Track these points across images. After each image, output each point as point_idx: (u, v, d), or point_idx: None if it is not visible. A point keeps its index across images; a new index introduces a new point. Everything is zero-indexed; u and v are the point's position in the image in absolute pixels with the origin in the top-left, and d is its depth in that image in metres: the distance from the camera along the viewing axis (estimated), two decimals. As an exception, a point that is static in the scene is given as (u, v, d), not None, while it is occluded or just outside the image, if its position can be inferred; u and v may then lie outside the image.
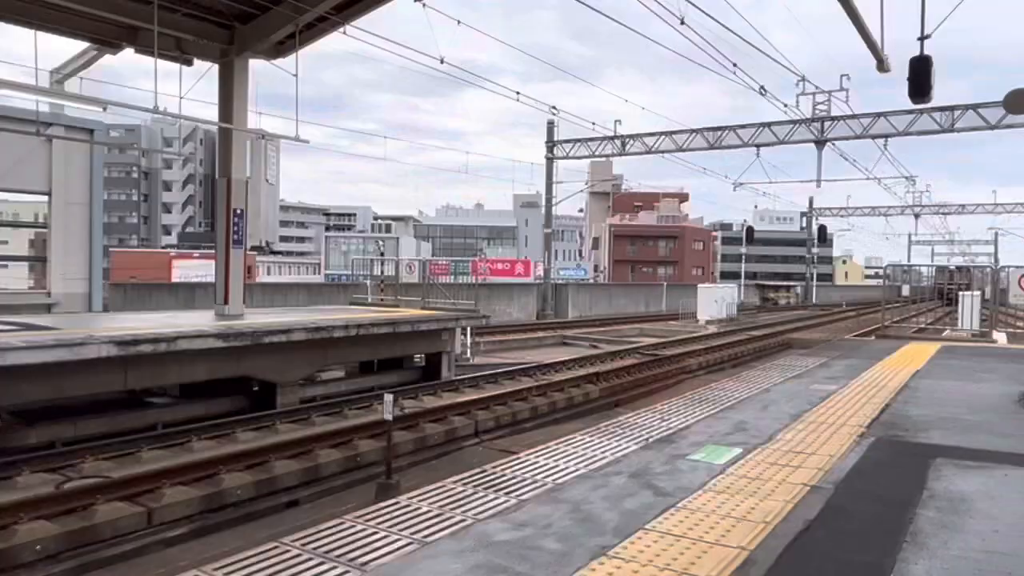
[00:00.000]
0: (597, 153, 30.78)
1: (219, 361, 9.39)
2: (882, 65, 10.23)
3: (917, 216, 50.03)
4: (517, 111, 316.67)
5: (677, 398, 6.67)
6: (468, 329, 16.95)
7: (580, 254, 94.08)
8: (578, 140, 30.63)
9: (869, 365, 8.87)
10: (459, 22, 15.24)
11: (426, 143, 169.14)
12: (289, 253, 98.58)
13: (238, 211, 12.11)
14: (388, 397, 7.10)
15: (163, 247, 67.61)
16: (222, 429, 8.45)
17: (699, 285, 33.92)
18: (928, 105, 19.72)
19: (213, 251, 13.13)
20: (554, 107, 25.41)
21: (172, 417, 9.12)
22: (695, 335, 23.64)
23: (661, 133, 28.13)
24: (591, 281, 57.14)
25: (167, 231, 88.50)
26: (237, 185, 12.14)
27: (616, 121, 28.60)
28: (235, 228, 12.03)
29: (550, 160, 31.77)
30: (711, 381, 9.23)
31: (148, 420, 8.86)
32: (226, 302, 12.03)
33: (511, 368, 14.69)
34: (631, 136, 28.86)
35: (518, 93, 21.76)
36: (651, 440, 4.94)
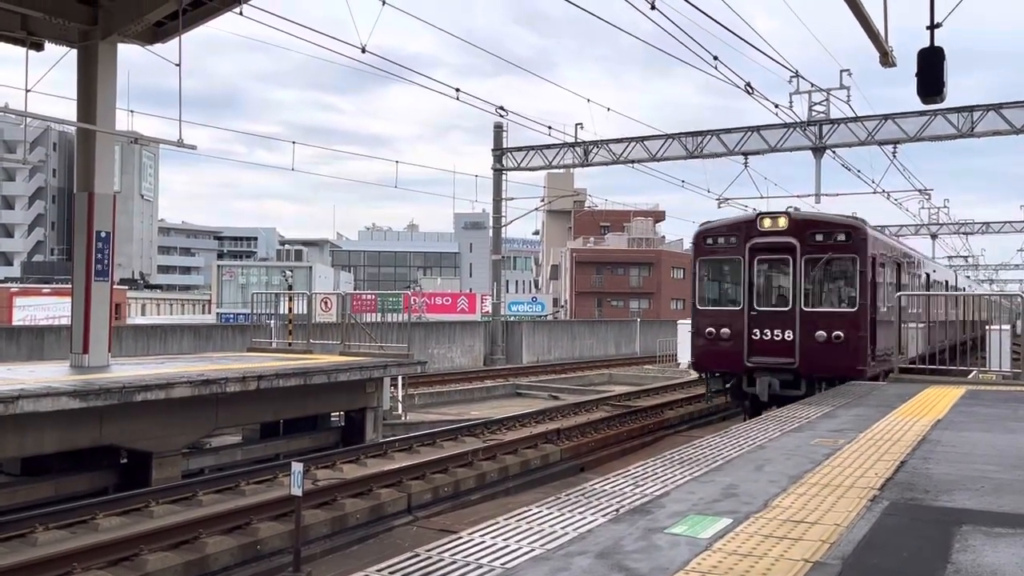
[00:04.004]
0: (555, 163, 31.28)
1: (75, 426, 9.09)
2: (886, 59, 10.76)
3: (934, 236, 52.12)
4: (455, 112, 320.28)
5: (654, 459, 6.73)
6: (400, 379, 16.83)
7: (536, 285, 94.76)
8: (532, 148, 31.10)
9: (881, 414, 9.13)
10: (384, 2, 15.43)
11: (344, 150, 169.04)
12: (171, 287, 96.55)
13: (103, 234, 11.87)
14: (297, 467, 6.98)
15: (2, 281, 65.34)
16: (78, 514, 8.16)
17: (679, 321, 34.52)
18: (942, 106, 20.78)
19: (69, 285, 12.79)
20: (502, 108, 25.79)
21: (9, 501, 8.76)
22: (676, 382, 24.00)
23: (631, 139, 28.80)
24: (550, 318, 57.54)
25: (7, 260, 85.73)
26: (102, 201, 11.90)
27: (577, 124, 29.17)
28: (99, 256, 11.78)
29: (498, 172, 32.12)
30: (695, 437, 9.30)
31: (-23, 505, 8.49)
32: (85, 350, 11.71)
33: (453, 426, 14.61)
34: (595, 143, 29.46)
35: (458, 90, 22.02)
36: (622, 511, 4.95)
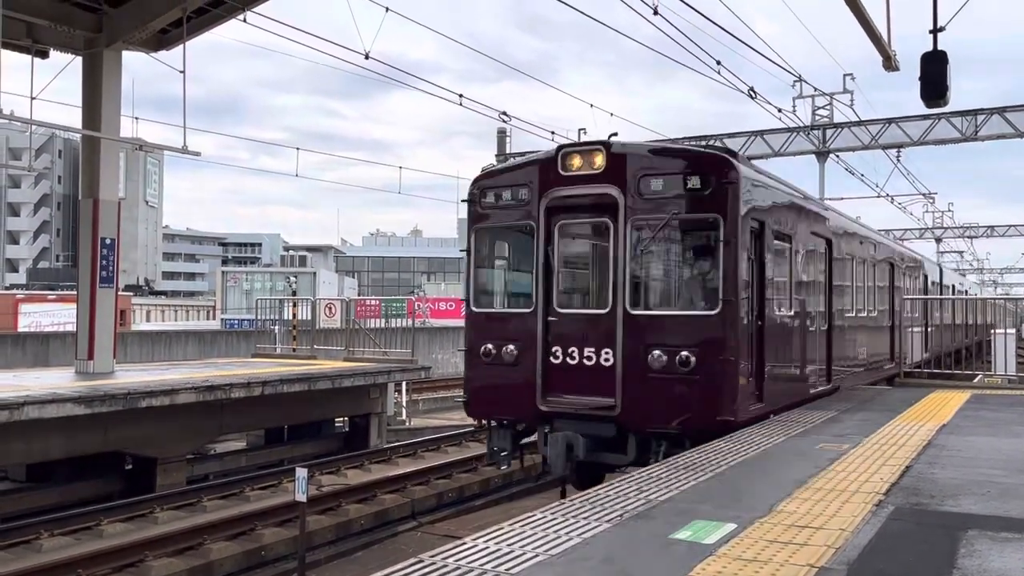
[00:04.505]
0: (559, 167, 31.24)
1: (80, 433, 9.10)
2: (889, 63, 10.76)
3: (939, 240, 52.05)
4: (457, 117, 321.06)
5: (659, 464, 6.71)
6: (404, 384, 16.82)
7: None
8: (535, 153, 31.06)
9: (886, 419, 9.11)
10: (387, 9, 15.45)
11: (348, 156, 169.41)
12: (175, 293, 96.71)
13: (108, 240, 11.90)
14: (301, 472, 6.98)
15: (7, 287, 65.52)
16: (83, 520, 8.18)
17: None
18: (946, 110, 20.76)
19: (74, 292, 12.83)
20: (505, 113, 25.77)
21: (14, 507, 8.79)
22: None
23: (635, 143, 28.74)
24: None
25: (13, 267, 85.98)
26: (107, 208, 11.94)
27: (580, 130, 29.16)
28: (104, 262, 11.82)
29: (502, 176, 32.08)
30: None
31: (-18, 512, 8.52)
32: (90, 356, 11.74)
33: (457, 431, 14.59)
34: (599, 147, 29.37)
35: (461, 96, 22.03)
36: (627, 516, 4.94)
